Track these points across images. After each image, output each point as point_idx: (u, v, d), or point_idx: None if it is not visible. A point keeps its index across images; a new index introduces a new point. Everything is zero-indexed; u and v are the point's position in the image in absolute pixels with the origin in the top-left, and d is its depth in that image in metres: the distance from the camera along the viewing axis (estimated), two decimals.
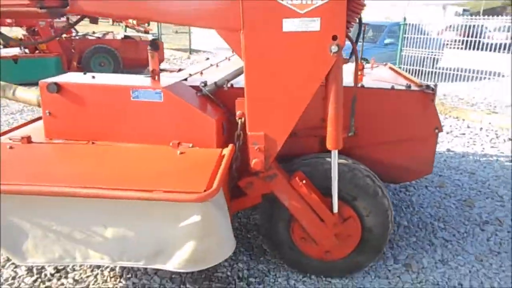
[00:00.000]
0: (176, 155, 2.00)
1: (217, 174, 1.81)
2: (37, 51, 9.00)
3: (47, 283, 2.32)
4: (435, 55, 8.46)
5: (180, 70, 4.57)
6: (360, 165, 2.33)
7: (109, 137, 2.15)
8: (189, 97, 2.16)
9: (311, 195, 2.18)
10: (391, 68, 3.64)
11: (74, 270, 2.43)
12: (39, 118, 2.52)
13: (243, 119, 2.13)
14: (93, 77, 2.32)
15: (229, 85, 2.32)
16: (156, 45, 2.43)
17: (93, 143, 2.15)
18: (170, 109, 2.07)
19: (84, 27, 10.73)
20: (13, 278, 2.34)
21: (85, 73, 2.44)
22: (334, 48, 1.87)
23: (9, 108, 6.47)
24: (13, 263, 2.46)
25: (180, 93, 2.12)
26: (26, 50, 9.04)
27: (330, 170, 2.24)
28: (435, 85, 2.44)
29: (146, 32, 16.10)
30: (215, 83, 2.31)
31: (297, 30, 1.88)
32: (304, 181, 2.16)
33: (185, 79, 2.47)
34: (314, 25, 1.87)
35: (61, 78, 2.22)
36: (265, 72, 1.96)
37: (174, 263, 1.98)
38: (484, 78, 7.98)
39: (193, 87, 2.33)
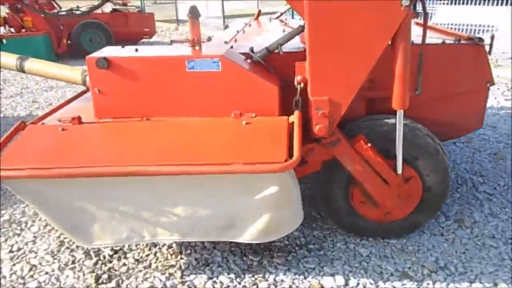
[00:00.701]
0: (241, 125, 1.92)
1: (295, 143, 1.75)
2: (23, 30, 8.60)
3: (109, 264, 2.27)
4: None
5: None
6: (418, 124, 2.28)
7: (163, 112, 2.04)
8: (245, 65, 2.06)
9: (376, 158, 2.13)
10: (417, 24, 3.54)
11: (131, 249, 2.38)
12: (68, 102, 2.41)
13: (302, 84, 2.04)
14: (136, 50, 2.19)
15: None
16: (196, 12, 2.29)
17: (147, 119, 2.04)
18: (229, 78, 1.97)
19: (66, 2, 10.23)
20: (73, 262, 2.28)
21: (123, 46, 2.30)
22: (405, 2, 1.78)
23: (6, 92, 6.21)
24: (68, 247, 2.40)
25: (237, 61, 2.01)
26: (12, 30, 8.63)
27: (388, 131, 2.19)
28: (492, 36, 2.37)
29: (124, 4, 15.48)
30: (267, 48, 2.20)
31: None
32: (369, 144, 2.11)
33: (231, 47, 2.34)
34: None
35: (108, 53, 2.08)
36: (331, 31, 1.86)
37: (246, 235, 1.95)
38: (482, 31, 7.94)
39: (242, 53, 2.22)
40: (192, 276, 2.17)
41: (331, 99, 1.97)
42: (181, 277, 2.16)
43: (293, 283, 2.14)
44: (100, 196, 1.90)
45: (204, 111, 2.02)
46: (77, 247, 2.41)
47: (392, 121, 2.20)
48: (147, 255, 2.34)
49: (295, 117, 1.92)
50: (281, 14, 4.46)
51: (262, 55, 2.19)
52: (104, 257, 2.33)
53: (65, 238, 2.50)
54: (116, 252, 2.37)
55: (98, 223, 1.96)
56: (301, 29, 2.17)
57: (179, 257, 2.33)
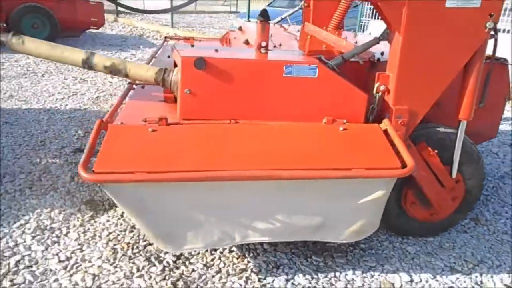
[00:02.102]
0: (339, 131, 1.98)
1: (402, 150, 1.86)
2: None
3: (177, 271, 2.17)
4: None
5: (190, 38, 4.33)
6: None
7: (252, 115, 2.03)
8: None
9: (439, 164, 2.33)
10: None
11: (192, 255, 2.30)
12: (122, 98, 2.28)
13: (380, 93, 2.16)
14: (216, 50, 2.14)
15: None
16: (267, 15, 2.31)
17: (236, 121, 2.01)
18: (324, 84, 2.02)
19: None
20: (138, 270, 2.15)
21: (193, 46, 2.23)
22: (490, 25, 1.99)
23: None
24: (124, 255, 2.25)
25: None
26: None
27: (442, 139, 2.41)
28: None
29: None
30: (342, 57, 2.28)
31: (459, 6, 1.95)
32: (435, 151, 2.30)
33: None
34: (475, 1, 1.95)
35: (200, 53, 2.00)
36: (422, 46, 2.01)
37: (336, 235, 2.03)
38: None
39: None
40: (269, 279, 2.18)
41: (410, 109, 2.12)
42: (259, 281, 2.15)
43: (364, 281, 2.25)
44: (198, 200, 1.83)
45: (295, 115, 2.05)
46: (134, 253, 2.28)
47: (444, 129, 2.42)
48: (212, 260, 2.29)
49: (387, 125, 2.03)
50: (281, 19, 4.57)
51: (338, 63, 2.27)
52: (168, 263, 2.23)
53: (115, 245, 2.34)
54: (178, 257, 2.28)
55: (193, 227, 1.89)
56: (376, 42, 2.28)
57: (245, 260, 2.31)
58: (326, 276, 2.24)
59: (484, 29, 2.00)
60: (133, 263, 2.21)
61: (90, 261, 2.20)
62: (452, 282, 2.30)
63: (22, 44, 2.06)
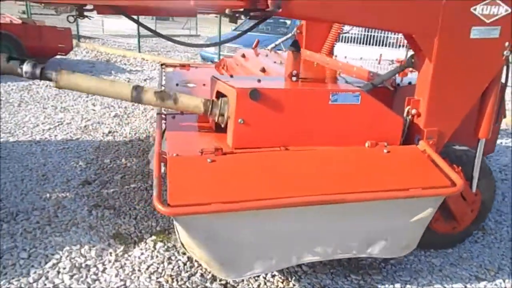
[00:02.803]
0: (384, 154, 2.11)
1: (447, 170, 2.01)
2: None
3: None
4: None
5: (186, 65, 4.37)
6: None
7: (300, 141, 2.11)
8: None
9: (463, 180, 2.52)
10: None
11: (237, 283, 2.31)
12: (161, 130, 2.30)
13: (410, 116, 2.33)
14: (259, 80, 2.22)
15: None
16: (298, 45, 2.43)
17: (286, 149, 2.08)
18: (366, 110, 2.14)
19: None
20: None
21: (232, 76, 2.29)
22: (507, 53, 2.23)
23: None
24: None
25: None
26: None
27: (460, 156, 2.61)
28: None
29: None
30: (372, 83, 2.44)
31: (481, 37, 2.17)
32: (460, 168, 2.49)
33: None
34: (495, 32, 2.18)
35: (253, 85, 2.07)
36: (450, 73, 2.20)
37: (386, 251, 2.13)
38: None
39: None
40: None
41: (439, 130, 2.30)
42: None
43: None
44: (262, 227, 1.87)
45: (339, 140, 2.15)
46: (180, 285, 2.25)
47: (460, 147, 2.63)
48: (258, 286, 2.31)
49: (425, 146, 2.19)
50: (275, 45, 4.74)
51: (368, 89, 2.42)
52: None
53: (158, 278, 2.30)
54: (225, 286, 2.28)
55: (255, 253, 1.93)
56: (401, 69, 2.46)
57: (290, 283, 2.35)
58: None
59: (502, 56, 2.23)
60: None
61: None
62: None
63: (70, 80, 2.03)
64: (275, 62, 3.71)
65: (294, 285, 2.34)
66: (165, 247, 2.60)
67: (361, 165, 2.04)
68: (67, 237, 2.63)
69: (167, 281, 2.28)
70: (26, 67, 1.97)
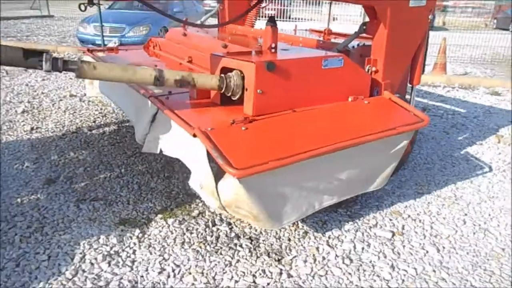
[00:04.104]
0: (365, 104, 2.63)
1: (414, 110, 2.62)
2: None
3: (264, 244, 2.50)
4: None
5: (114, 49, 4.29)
6: None
7: (303, 103, 2.49)
8: None
9: None
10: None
11: (251, 236, 2.64)
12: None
13: (370, 72, 2.90)
14: (258, 53, 2.50)
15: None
16: (275, 21, 2.77)
17: (294, 111, 2.45)
18: (347, 71, 2.61)
19: None
20: (232, 257, 2.39)
21: (227, 50, 2.51)
22: (431, 17, 2.92)
23: None
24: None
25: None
26: None
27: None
28: None
29: None
30: (337, 48, 2.91)
31: (416, 5, 2.81)
32: None
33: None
34: (424, 1, 2.84)
35: (267, 57, 2.34)
36: (398, 34, 2.81)
37: (377, 183, 2.70)
38: None
39: None
40: (328, 230, 2.71)
41: (392, 82, 2.92)
42: (323, 234, 2.67)
43: (377, 211, 3.00)
44: (297, 178, 2.23)
45: (330, 98, 2.60)
46: (214, 247, 2.49)
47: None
48: (277, 232, 2.68)
49: (390, 95, 2.77)
50: (201, 22, 4.87)
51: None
52: (250, 245, 2.53)
53: (191, 246, 2.49)
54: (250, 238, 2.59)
55: (290, 203, 2.28)
56: (357, 35, 2.98)
57: (300, 225, 2.77)
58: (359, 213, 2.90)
59: (428, 20, 2.92)
60: (221, 254, 2.43)
61: (190, 266, 2.32)
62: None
63: (94, 70, 2.00)
64: (215, 37, 3.90)
65: (302, 226, 2.77)
66: (177, 221, 2.76)
67: (354, 115, 2.53)
68: (74, 233, 2.58)
69: (201, 248, 2.48)
70: (46, 63, 1.89)
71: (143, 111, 2.85)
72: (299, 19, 17.29)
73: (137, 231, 2.63)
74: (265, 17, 10.63)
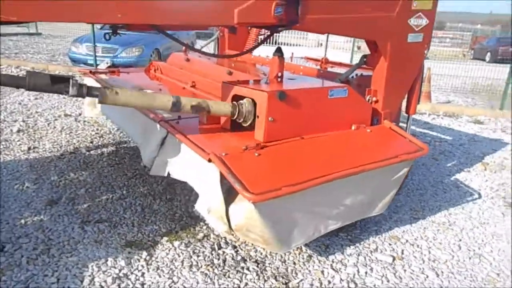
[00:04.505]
0: (367, 133, 2.76)
1: (413, 139, 2.77)
2: None
3: (272, 267, 2.55)
4: None
5: (115, 71, 4.37)
6: None
7: (311, 131, 2.59)
8: None
9: None
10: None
11: (257, 259, 2.70)
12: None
13: (371, 102, 3.04)
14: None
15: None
16: (281, 51, 2.91)
17: (302, 138, 2.55)
18: (351, 101, 2.75)
19: None
20: (240, 280, 2.44)
21: (251, 81, 2.64)
22: (427, 52, 3.11)
23: None
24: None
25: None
26: None
27: None
28: None
29: None
30: (339, 79, 3.06)
31: (413, 41, 3.00)
32: None
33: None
34: (420, 37, 3.03)
35: (284, 86, 2.46)
36: (397, 68, 2.98)
37: (376, 210, 2.81)
38: None
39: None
40: (330, 255, 2.78)
41: (391, 111, 3.08)
42: (327, 258, 2.74)
43: (376, 236, 3.09)
44: (307, 203, 2.32)
45: (335, 126, 2.71)
46: (221, 270, 2.53)
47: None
48: (282, 255, 2.74)
49: (390, 124, 2.92)
50: (202, 47, 4.99)
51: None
52: (256, 267, 2.58)
53: (199, 269, 2.52)
54: (256, 261, 2.65)
55: (298, 227, 2.35)
56: (358, 66, 3.14)
57: (303, 249, 2.84)
58: (359, 238, 2.99)
59: (424, 54, 3.11)
60: (229, 277, 2.47)
61: None
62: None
63: (115, 95, 2.07)
64: (217, 64, 4.03)
65: (306, 250, 2.84)
66: (183, 244, 2.79)
67: (359, 143, 2.65)
68: (81, 255, 2.58)
69: (208, 271, 2.52)
70: (73, 89, 1.96)
71: (152, 134, 2.91)
72: (285, 44, 17.76)
73: (144, 253, 2.65)
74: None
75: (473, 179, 4.42)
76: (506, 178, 4.50)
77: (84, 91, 2.02)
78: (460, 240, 3.15)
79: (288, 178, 2.13)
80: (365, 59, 3.08)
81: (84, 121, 5.58)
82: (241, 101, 2.48)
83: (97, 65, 9.53)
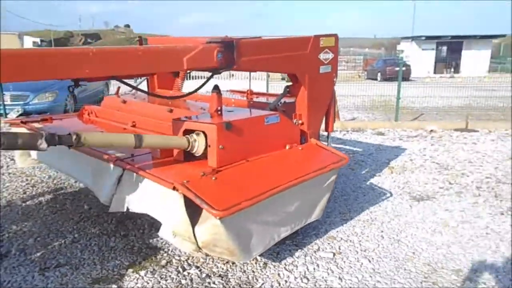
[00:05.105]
0: (300, 150, 3.27)
1: (336, 152, 3.34)
2: None
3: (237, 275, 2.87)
4: None
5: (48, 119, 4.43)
6: None
7: (253, 154, 3.03)
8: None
9: None
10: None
11: (221, 274, 3.02)
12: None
13: (297, 124, 3.59)
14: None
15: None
16: (219, 89, 3.36)
17: (247, 160, 2.97)
18: (283, 125, 3.25)
19: None
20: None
21: (198, 116, 2.99)
22: (335, 80, 3.78)
23: None
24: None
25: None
26: None
27: None
28: None
29: None
30: (269, 107, 3.56)
31: (324, 72, 3.64)
32: None
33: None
34: (329, 68, 3.69)
35: (225, 117, 2.86)
36: (315, 95, 3.58)
37: (316, 215, 3.31)
38: None
39: None
40: (286, 258, 3.19)
41: (314, 131, 3.66)
42: (280, 263, 3.14)
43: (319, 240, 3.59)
44: (260, 215, 2.72)
45: (273, 147, 3.18)
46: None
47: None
48: (242, 266, 3.08)
49: (315, 141, 3.47)
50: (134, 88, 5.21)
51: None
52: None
53: None
54: (220, 275, 2.95)
55: (256, 237, 2.73)
56: (284, 95, 3.68)
57: (263, 259, 3.21)
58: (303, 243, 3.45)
59: (333, 82, 3.77)
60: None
61: None
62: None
63: (86, 139, 2.29)
64: (154, 103, 4.32)
65: (261, 259, 3.21)
66: (149, 272, 2.99)
67: (294, 159, 3.15)
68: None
69: None
70: (45, 141, 2.14)
71: (106, 174, 3.10)
72: (199, 77, 18.30)
73: (114, 286, 2.80)
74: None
75: (383, 182, 5.20)
76: (408, 177, 5.36)
77: (56, 140, 2.21)
78: (382, 231, 3.77)
79: (244, 194, 2.52)
80: (288, 89, 3.64)
81: (9, 173, 5.39)
82: (192, 134, 2.83)
83: (6, 114, 9.06)
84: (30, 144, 2.14)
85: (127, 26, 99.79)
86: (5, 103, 9.07)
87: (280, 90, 3.87)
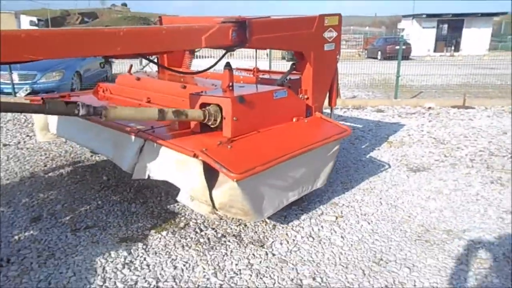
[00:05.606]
0: (305, 123, 3.55)
1: (340, 125, 3.62)
2: None
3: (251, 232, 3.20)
4: None
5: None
6: None
7: (263, 125, 3.30)
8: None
9: None
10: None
11: (235, 233, 3.34)
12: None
13: (303, 99, 3.86)
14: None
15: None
16: (230, 66, 3.61)
17: (258, 131, 3.25)
18: (290, 100, 3.52)
19: None
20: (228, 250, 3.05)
21: (202, 91, 3.25)
22: (339, 57, 4.03)
23: None
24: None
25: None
26: None
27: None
28: None
29: None
30: (277, 83, 3.82)
31: (328, 49, 3.89)
32: None
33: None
34: (333, 46, 3.93)
35: (237, 92, 3.12)
36: (319, 70, 3.84)
37: (321, 182, 3.62)
38: None
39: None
40: (291, 221, 3.52)
41: (318, 105, 3.93)
42: (286, 223, 3.47)
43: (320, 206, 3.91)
44: (272, 180, 3.02)
45: (281, 120, 3.46)
46: (216, 242, 3.12)
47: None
48: (244, 226, 3.41)
49: (320, 115, 3.75)
50: (143, 67, 5.45)
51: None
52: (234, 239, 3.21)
53: (201, 239, 3.08)
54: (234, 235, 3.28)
55: (268, 199, 3.04)
56: (290, 72, 3.93)
57: (268, 220, 3.54)
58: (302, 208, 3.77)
59: (336, 59, 4.01)
60: (216, 249, 3.07)
61: (196, 260, 2.91)
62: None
63: (115, 112, 2.56)
64: (167, 80, 4.57)
65: (270, 221, 3.53)
66: (169, 233, 3.31)
67: (301, 130, 3.43)
68: (85, 254, 2.97)
69: (198, 248, 3.09)
70: (83, 109, 2.42)
71: (128, 145, 3.39)
72: (204, 56, 18.39)
73: (140, 244, 3.13)
74: None
75: (382, 155, 5.50)
76: (406, 151, 5.66)
77: (91, 111, 2.49)
78: (381, 198, 4.09)
79: (258, 160, 2.82)
80: (294, 66, 3.89)
81: (27, 148, 5.68)
82: (208, 107, 3.11)
83: (15, 93, 9.29)
84: (69, 111, 2.42)
85: (124, 5, 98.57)
86: (14, 82, 9.27)
87: (281, 68, 4.13)
